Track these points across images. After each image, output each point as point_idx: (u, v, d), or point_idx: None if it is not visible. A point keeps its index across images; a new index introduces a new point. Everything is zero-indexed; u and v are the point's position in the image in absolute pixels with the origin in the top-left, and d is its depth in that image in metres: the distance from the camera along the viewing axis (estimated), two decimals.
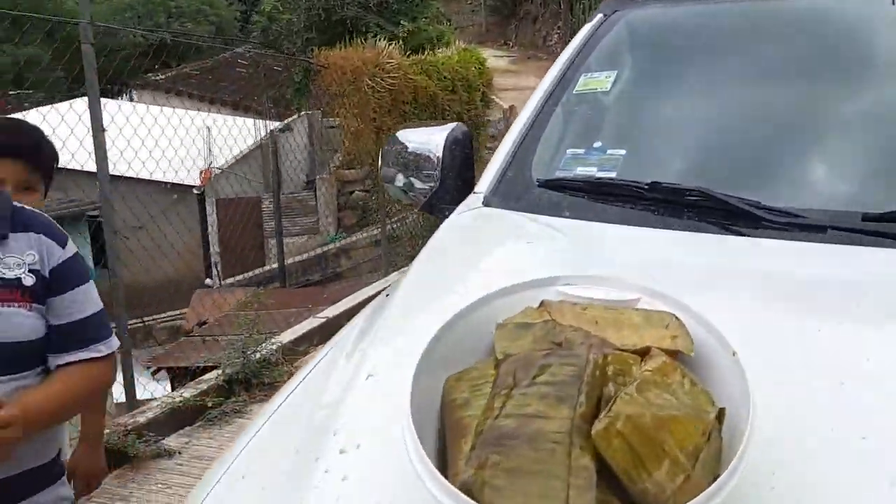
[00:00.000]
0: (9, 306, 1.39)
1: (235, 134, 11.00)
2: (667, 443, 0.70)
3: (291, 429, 1.01)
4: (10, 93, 18.17)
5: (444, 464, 0.77)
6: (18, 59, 20.05)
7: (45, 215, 1.56)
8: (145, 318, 10.35)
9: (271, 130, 11.05)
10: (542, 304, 0.93)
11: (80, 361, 1.49)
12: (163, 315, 11.22)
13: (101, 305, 1.56)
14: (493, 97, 16.14)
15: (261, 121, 12.43)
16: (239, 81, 17.65)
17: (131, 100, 16.72)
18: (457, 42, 16.26)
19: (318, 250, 12.57)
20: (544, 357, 0.78)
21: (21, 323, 1.41)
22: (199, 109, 13.90)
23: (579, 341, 0.83)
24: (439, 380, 0.85)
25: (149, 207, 9.17)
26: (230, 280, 11.83)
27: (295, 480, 0.87)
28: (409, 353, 0.91)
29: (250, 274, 11.90)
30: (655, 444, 0.70)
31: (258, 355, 4.77)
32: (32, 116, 5.54)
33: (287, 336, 5.53)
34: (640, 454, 0.69)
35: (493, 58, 21.31)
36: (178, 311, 10.89)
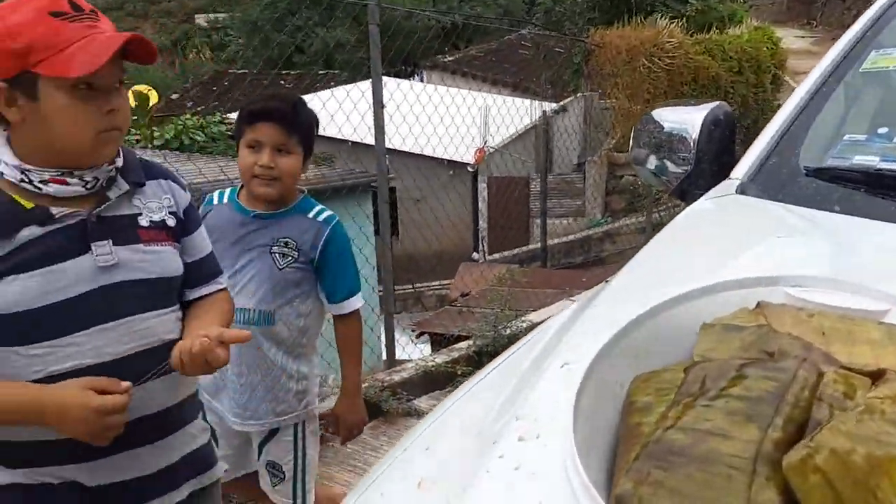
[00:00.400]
0: (161, 245, 1.53)
1: (512, 114, 11.24)
2: (881, 488, 0.56)
3: (481, 407, 0.98)
4: (319, 73, 20.22)
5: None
6: (328, 42, 22.24)
7: (165, 165, 1.70)
8: (416, 285, 11.03)
9: (545, 111, 11.12)
10: (758, 305, 0.81)
11: (209, 294, 1.64)
12: (432, 283, 11.87)
13: (210, 245, 1.71)
14: (787, 80, 14.82)
15: (537, 102, 12.58)
16: (520, 63, 18.01)
17: (421, 80, 17.79)
18: (749, 20, 15.13)
19: (582, 233, 12.50)
20: (742, 366, 0.67)
21: (172, 260, 1.55)
22: (480, 90, 14.43)
23: (794, 353, 0.70)
24: (627, 377, 0.77)
25: (427, 182, 9.74)
26: (495, 256, 12.19)
27: (471, 461, 0.85)
28: (611, 346, 0.84)
29: (514, 251, 12.17)
30: (866, 488, 0.56)
31: (508, 330, 4.86)
32: (322, 94, 6.09)
33: (537, 315, 5.56)
34: (842, 497, 0.56)
35: (793, 38, 19.56)
36: (446, 281, 11.48)
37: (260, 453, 2.33)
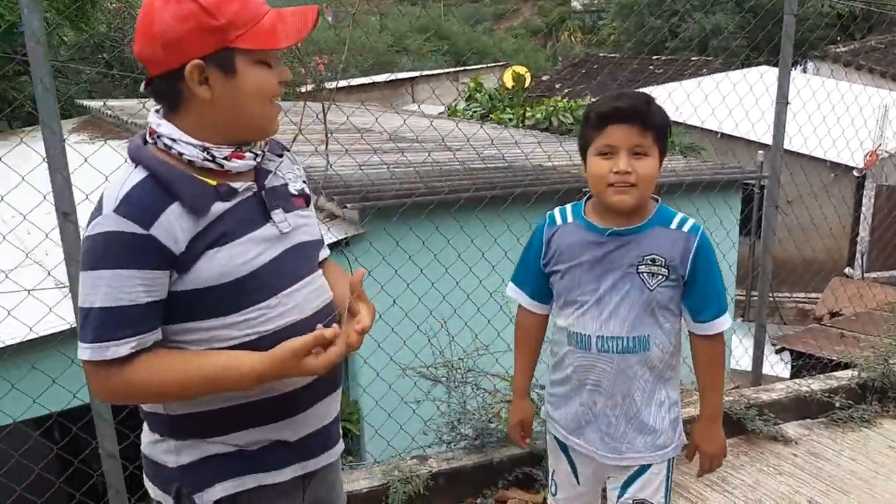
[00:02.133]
0: (306, 210, 1.61)
1: None
2: None
3: None
4: (692, 59, 19.52)
5: None
6: (705, 26, 21.34)
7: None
8: (776, 293, 10.21)
9: None
10: None
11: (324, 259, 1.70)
12: (795, 294, 10.90)
13: None
14: None
15: None
16: None
17: (804, 71, 16.27)
18: None
19: None
20: None
21: (317, 224, 1.66)
22: (879, 86, 12.76)
23: None
24: None
25: (806, 183, 8.87)
26: (874, 274, 10.80)
27: None
28: None
29: None
30: None
31: None
32: (707, 81, 5.76)
33: None
34: None
35: None
36: (809, 294, 10.44)
37: (622, 494, 2.08)
